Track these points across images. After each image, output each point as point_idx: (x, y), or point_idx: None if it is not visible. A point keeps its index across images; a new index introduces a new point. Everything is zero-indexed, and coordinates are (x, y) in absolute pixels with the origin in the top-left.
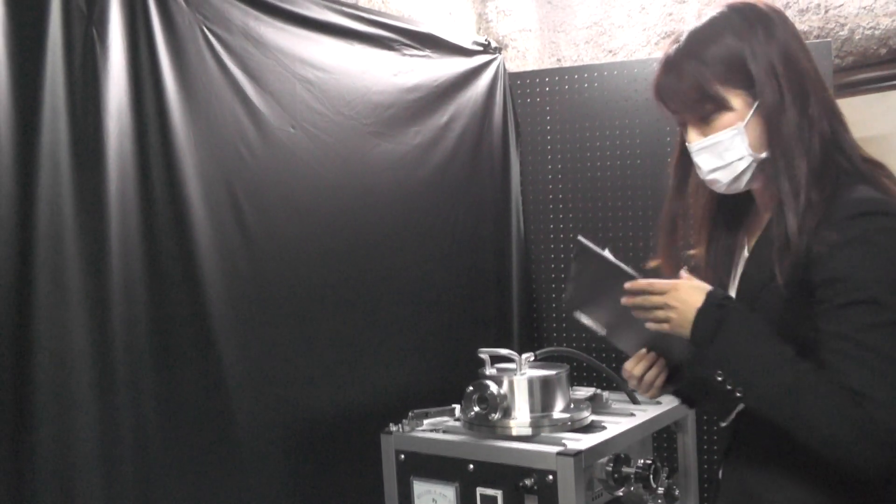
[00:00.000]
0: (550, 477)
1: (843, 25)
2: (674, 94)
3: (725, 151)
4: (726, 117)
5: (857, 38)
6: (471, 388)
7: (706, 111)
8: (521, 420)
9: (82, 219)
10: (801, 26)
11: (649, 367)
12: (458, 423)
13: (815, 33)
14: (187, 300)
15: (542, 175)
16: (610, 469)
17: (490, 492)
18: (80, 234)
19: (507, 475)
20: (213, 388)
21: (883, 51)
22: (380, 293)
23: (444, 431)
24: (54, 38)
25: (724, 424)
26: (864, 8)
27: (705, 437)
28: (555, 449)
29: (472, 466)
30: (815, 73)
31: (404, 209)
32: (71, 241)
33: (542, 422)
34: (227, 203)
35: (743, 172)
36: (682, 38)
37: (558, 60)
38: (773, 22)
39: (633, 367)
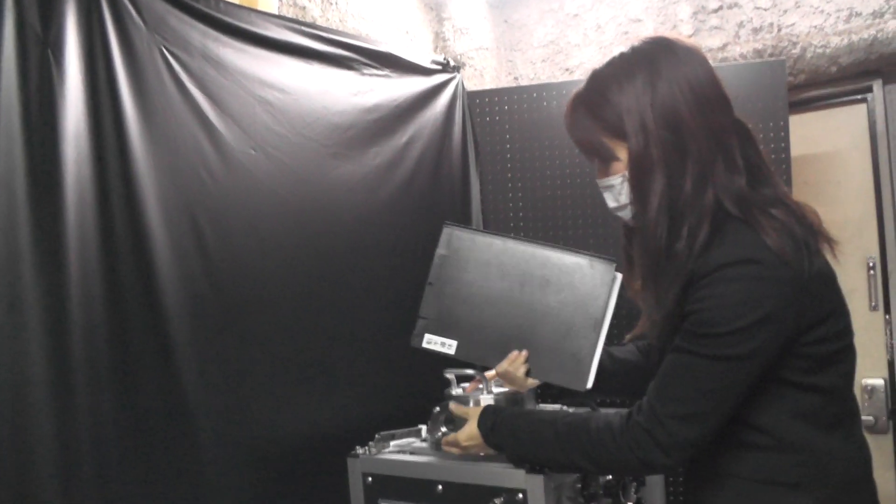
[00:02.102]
0: (520, 496)
1: (795, 44)
2: (574, 138)
3: (619, 195)
4: (615, 165)
5: (808, 56)
6: (437, 409)
7: (598, 158)
8: None
9: (39, 247)
10: (755, 45)
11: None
12: (425, 445)
13: (769, 52)
14: (148, 323)
15: (502, 192)
16: (579, 486)
17: None
18: (38, 262)
19: (477, 495)
20: (174, 409)
21: (834, 69)
22: (344, 314)
23: (412, 453)
24: (8, 62)
25: (588, 387)
26: (815, 27)
27: None
28: (523, 467)
29: (440, 487)
30: (698, 120)
31: (366, 230)
32: (28, 268)
33: None
34: (187, 226)
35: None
36: (585, 81)
37: (515, 79)
38: (658, 67)
39: (512, 367)
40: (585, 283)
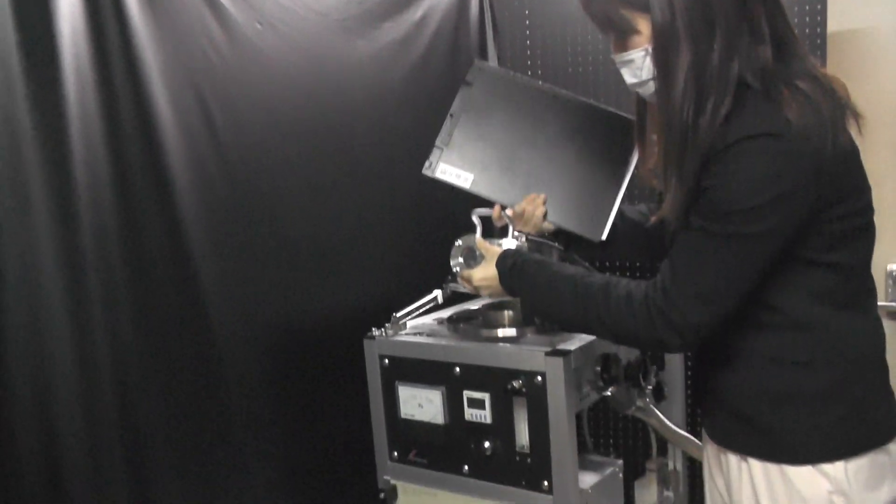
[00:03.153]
0: (539, 378)
1: None
2: (589, 14)
3: (638, 70)
4: (635, 38)
5: None
6: (459, 241)
7: (616, 32)
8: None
9: (40, 130)
10: None
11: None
12: (442, 327)
13: None
14: (157, 207)
15: (521, 72)
16: (598, 369)
17: (477, 395)
18: (39, 145)
19: (495, 378)
20: (188, 298)
21: None
22: (358, 194)
23: (429, 335)
24: None
25: (603, 238)
26: None
27: None
28: (543, 349)
29: (458, 370)
30: None
31: (380, 109)
32: (30, 153)
33: (527, 325)
34: (194, 105)
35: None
36: None
37: None
38: None
39: (531, 206)
40: (611, 136)
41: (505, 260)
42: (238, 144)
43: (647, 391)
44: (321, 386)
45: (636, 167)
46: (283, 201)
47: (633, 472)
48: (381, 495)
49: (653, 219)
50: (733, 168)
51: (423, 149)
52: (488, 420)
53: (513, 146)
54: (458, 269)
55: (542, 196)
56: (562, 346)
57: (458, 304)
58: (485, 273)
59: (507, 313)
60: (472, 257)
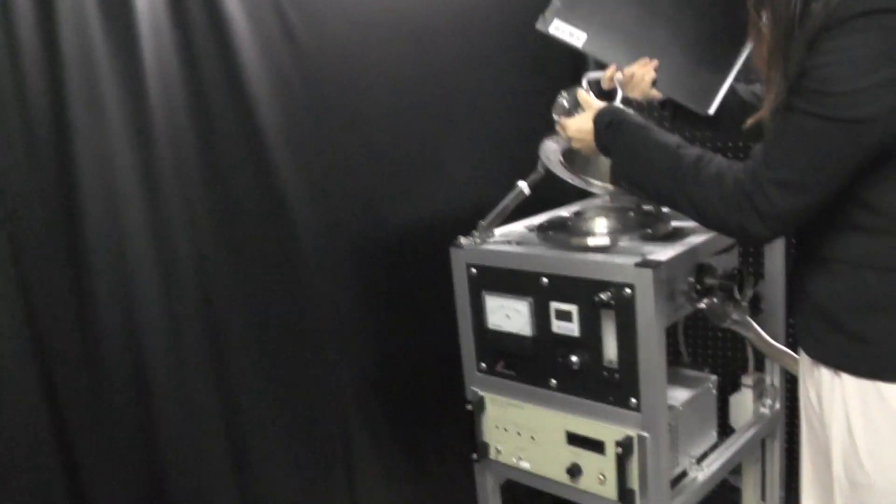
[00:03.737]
0: (628, 290)
1: None
2: None
3: None
4: None
5: None
6: (563, 92)
7: None
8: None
9: (112, 41)
10: None
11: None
12: (532, 234)
13: None
14: (234, 115)
15: None
16: (692, 280)
17: (565, 307)
18: (111, 55)
19: (583, 289)
20: (265, 196)
21: None
22: (450, 99)
23: (518, 243)
24: None
25: (711, 112)
26: None
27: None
28: (633, 260)
29: (545, 280)
30: None
31: (468, 14)
32: (103, 64)
33: (618, 231)
34: (269, 7)
35: None
36: None
37: None
38: None
39: (641, 71)
40: (734, 9)
41: (603, 116)
42: (318, 50)
43: (744, 304)
44: (408, 295)
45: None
46: (365, 106)
47: (728, 387)
48: (469, 407)
49: (749, 121)
50: (847, 44)
51: (521, 45)
52: (576, 333)
53: (629, 9)
54: (557, 117)
55: (654, 62)
56: (653, 257)
57: (551, 209)
58: (581, 124)
59: (600, 220)
60: (575, 109)
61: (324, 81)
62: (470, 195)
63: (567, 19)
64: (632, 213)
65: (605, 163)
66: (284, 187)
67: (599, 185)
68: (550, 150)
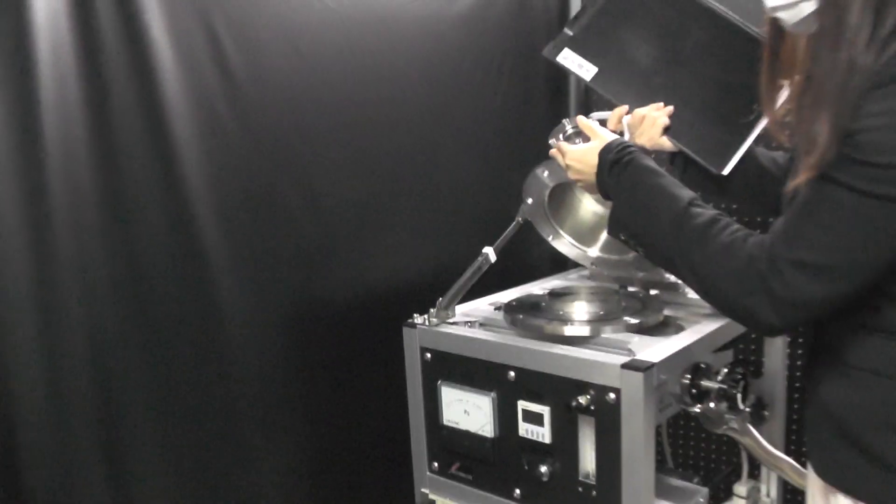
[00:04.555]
0: (612, 395)
1: None
2: None
3: None
4: None
5: None
6: (566, 120)
7: None
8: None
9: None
10: None
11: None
12: (499, 315)
13: None
14: (154, 165)
15: None
16: (687, 383)
17: (535, 408)
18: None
19: (557, 388)
20: (186, 263)
21: None
22: (405, 150)
23: (482, 324)
24: None
25: (725, 172)
26: None
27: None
28: (619, 359)
29: (513, 374)
30: None
31: (433, 42)
32: None
33: (601, 319)
34: (201, 37)
35: (808, 16)
36: None
37: None
38: None
39: (653, 114)
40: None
41: (611, 149)
42: (255, 83)
43: (745, 412)
44: (351, 375)
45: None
46: (308, 151)
47: (718, 494)
48: None
49: (790, 185)
50: None
51: (477, 97)
52: (547, 439)
53: (647, 49)
54: (555, 141)
55: (669, 108)
56: (643, 356)
57: (521, 282)
58: (584, 154)
59: (578, 304)
60: (577, 138)
61: (259, 120)
62: (428, 258)
63: (578, 50)
64: (616, 296)
65: (591, 221)
66: (204, 242)
67: (579, 251)
68: (539, 184)
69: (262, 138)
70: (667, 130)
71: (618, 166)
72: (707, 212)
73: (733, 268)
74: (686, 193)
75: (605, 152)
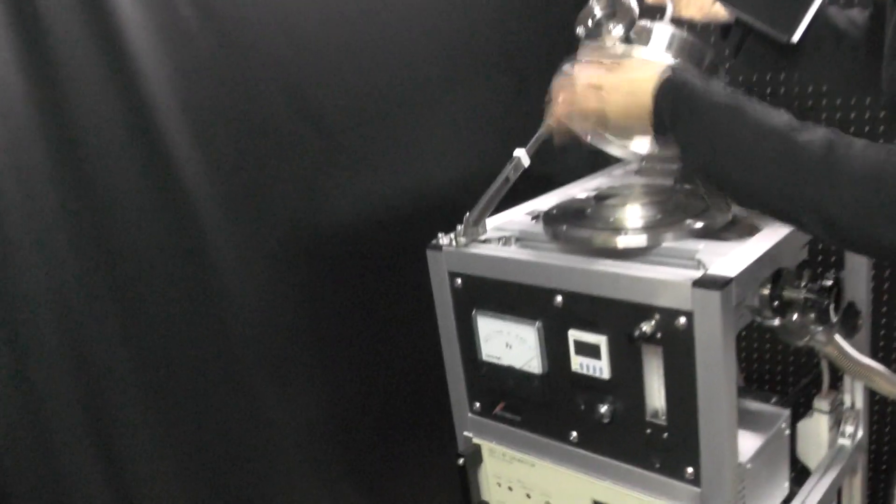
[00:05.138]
0: (683, 320)
1: None
2: None
3: None
4: None
5: None
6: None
7: None
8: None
9: None
10: None
11: None
12: (537, 226)
13: None
14: (108, 86)
15: None
16: (767, 294)
17: (589, 338)
18: None
19: (615, 313)
20: (165, 200)
21: None
22: (419, 43)
23: (518, 239)
24: None
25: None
26: None
27: None
28: (689, 274)
29: (560, 299)
30: None
31: None
32: None
33: (660, 223)
34: None
35: None
36: None
37: None
38: None
39: None
40: None
41: (667, 89)
42: None
43: (836, 322)
44: (373, 314)
45: None
46: (300, 53)
47: (793, 409)
48: (461, 461)
49: None
50: None
51: None
52: (605, 375)
53: None
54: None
55: None
56: (717, 269)
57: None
58: (628, 86)
59: (631, 207)
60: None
61: (233, 14)
62: (451, 170)
63: None
64: (674, 195)
65: None
66: (181, 170)
67: (625, 149)
68: None
69: (236, 38)
70: None
71: (682, 91)
72: (818, 132)
73: (887, 195)
74: (781, 117)
75: (660, 93)
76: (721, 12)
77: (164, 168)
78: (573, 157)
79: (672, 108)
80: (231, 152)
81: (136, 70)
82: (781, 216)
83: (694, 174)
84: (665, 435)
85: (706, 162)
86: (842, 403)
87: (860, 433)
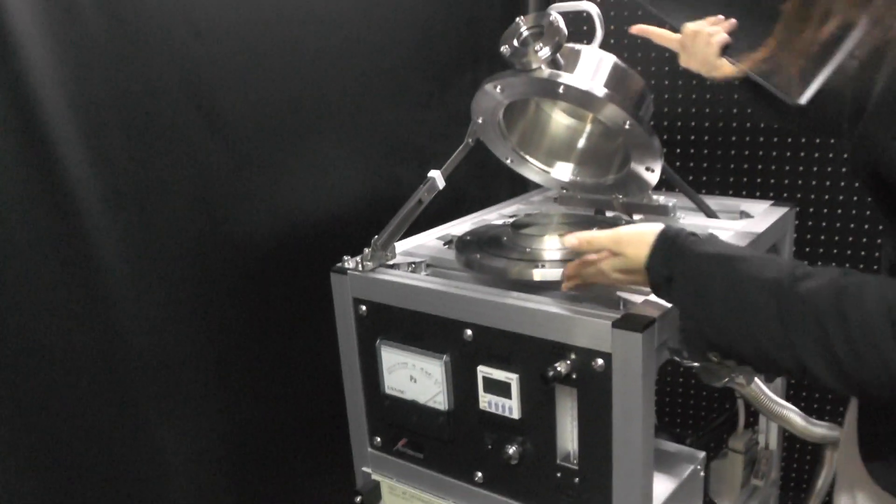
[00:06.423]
0: (600, 362)
1: None
2: None
3: None
4: None
5: None
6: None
7: None
8: None
9: None
10: None
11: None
12: (450, 252)
13: None
14: None
15: None
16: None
17: (499, 375)
18: None
19: (528, 352)
20: (48, 209)
21: None
22: (332, 50)
23: (428, 265)
24: None
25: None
26: None
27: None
28: (608, 315)
29: (469, 333)
30: None
31: None
32: None
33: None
34: None
35: None
36: None
37: None
38: None
39: (707, 30)
40: None
41: (663, 245)
42: None
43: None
44: (273, 338)
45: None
46: (206, 53)
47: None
48: (358, 499)
49: None
50: None
51: None
52: (515, 414)
53: None
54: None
55: (732, 20)
56: (639, 310)
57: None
58: (628, 249)
59: (549, 237)
60: (538, 41)
61: (129, 4)
62: (362, 189)
63: None
64: (594, 226)
65: (563, 135)
66: (66, 173)
67: (547, 175)
68: (491, 101)
69: (133, 26)
70: (725, 50)
71: (677, 243)
72: (821, 274)
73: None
74: (777, 263)
75: (653, 261)
76: (727, 66)
77: (45, 164)
78: (492, 179)
79: (670, 243)
80: (122, 150)
81: (17, 56)
82: (798, 376)
83: (692, 333)
84: (576, 479)
85: (705, 323)
86: (756, 443)
87: (773, 473)
